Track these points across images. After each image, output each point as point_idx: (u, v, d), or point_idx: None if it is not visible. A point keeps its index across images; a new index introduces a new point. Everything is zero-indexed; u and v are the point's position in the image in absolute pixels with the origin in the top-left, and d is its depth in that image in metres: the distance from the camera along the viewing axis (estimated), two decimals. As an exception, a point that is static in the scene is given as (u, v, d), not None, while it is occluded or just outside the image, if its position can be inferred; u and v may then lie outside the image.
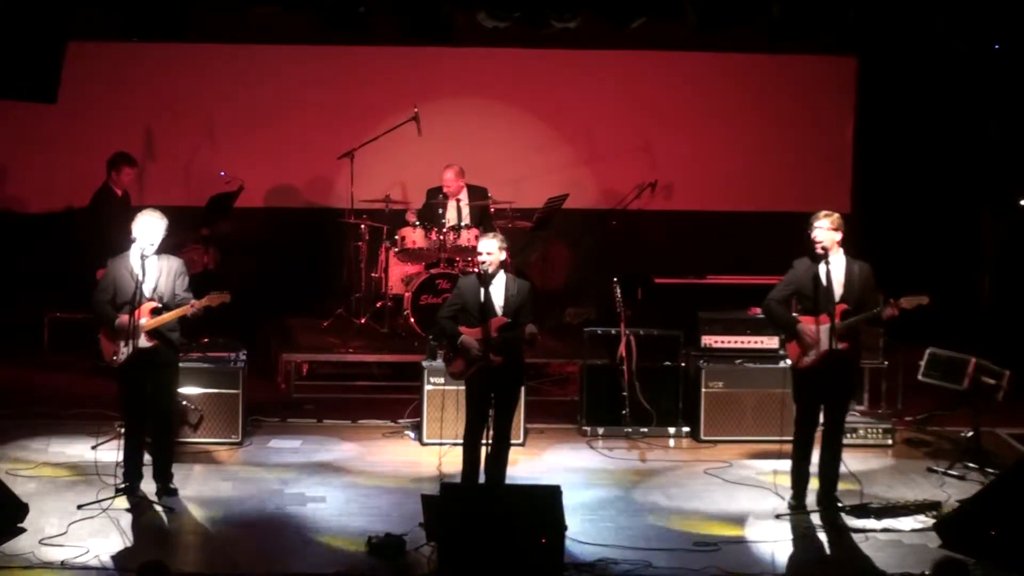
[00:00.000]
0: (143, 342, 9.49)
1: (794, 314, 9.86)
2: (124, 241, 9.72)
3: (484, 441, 9.57)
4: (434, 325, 10.21)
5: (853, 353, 9.75)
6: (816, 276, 9.61)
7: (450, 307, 9.76)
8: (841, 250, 9.67)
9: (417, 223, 13.28)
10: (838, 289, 9.61)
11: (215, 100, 14.52)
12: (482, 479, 9.64)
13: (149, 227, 9.53)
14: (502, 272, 9.71)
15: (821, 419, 9.85)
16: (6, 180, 14.47)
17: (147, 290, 9.51)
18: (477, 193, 13.51)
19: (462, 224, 13.21)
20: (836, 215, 9.68)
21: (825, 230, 9.60)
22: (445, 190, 13.41)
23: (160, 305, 9.53)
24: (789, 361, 9.93)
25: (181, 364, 10.14)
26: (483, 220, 13.37)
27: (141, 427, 9.76)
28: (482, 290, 9.54)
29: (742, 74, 14.82)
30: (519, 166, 14.64)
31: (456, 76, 14.64)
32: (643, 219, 14.47)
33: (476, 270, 9.67)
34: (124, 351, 9.51)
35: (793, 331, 9.70)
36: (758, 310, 10.80)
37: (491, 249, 9.54)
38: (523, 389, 11.03)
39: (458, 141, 14.27)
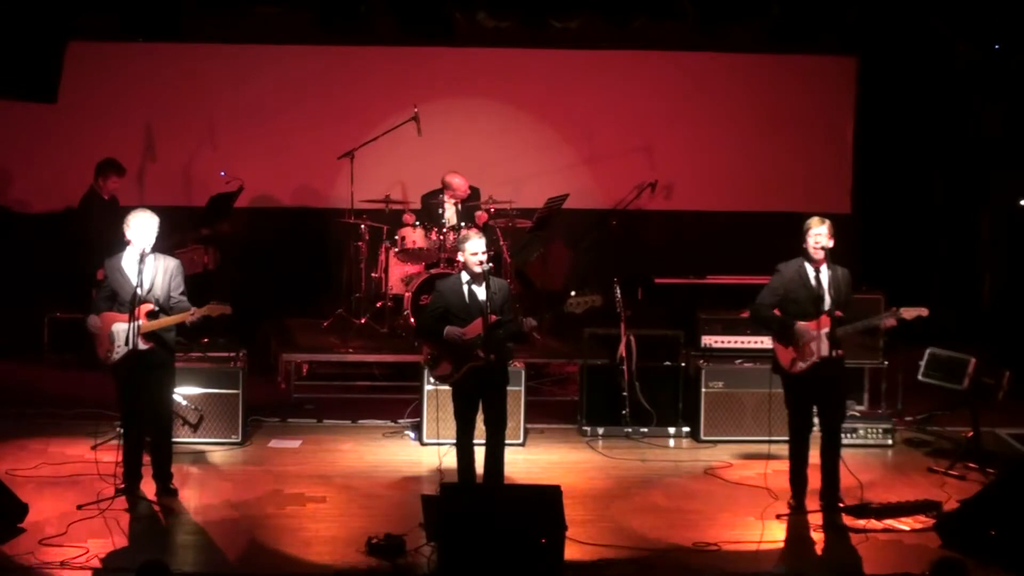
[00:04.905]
0: (139, 344, 9.46)
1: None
2: (112, 243, 9.69)
3: (476, 442, 9.59)
4: (419, 331, 10.14)
5: (843, 356, 9.74)
6: (809, 281, 9.61)
7: (433, 312, 9.60)
8: None
9: (416, 223, 13.28)
10: (829, 294, 9.60)
11: (215, 100, 14.50)
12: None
13: (145, 227, 9.48)
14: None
15: (816, 419, 9.84)
16: (6, 180, 14.46)
17: (143, 291, 9.48)
18: (470, 193, 13.54)
19: (462, 224, 13.21)
20: (828, 220, 9.72)
21: (827, 236, 9.60)
22: (455, 193, 13.36)
23: (156, 308, 9.50)
24: (771, 365, 9.87)
25: (181, 364, 10.12)
26: (469, 219, 13.39)
27: (139, 427, 9.75)
28: (479, 289, 9.50)
29: (742, 74, 14.81)
30: (519, 166, 14.63)
31: (456, 76, 14.62)
32: (643, 219, 14.47)
33: (464, 271, 9.58)
34: (118, 350, 9.49)
35: (790, 334, 9.66)
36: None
37: (484, 248, 9.52)
38: (523, 389, 11.07)
39: (458, 141, 14.26)
